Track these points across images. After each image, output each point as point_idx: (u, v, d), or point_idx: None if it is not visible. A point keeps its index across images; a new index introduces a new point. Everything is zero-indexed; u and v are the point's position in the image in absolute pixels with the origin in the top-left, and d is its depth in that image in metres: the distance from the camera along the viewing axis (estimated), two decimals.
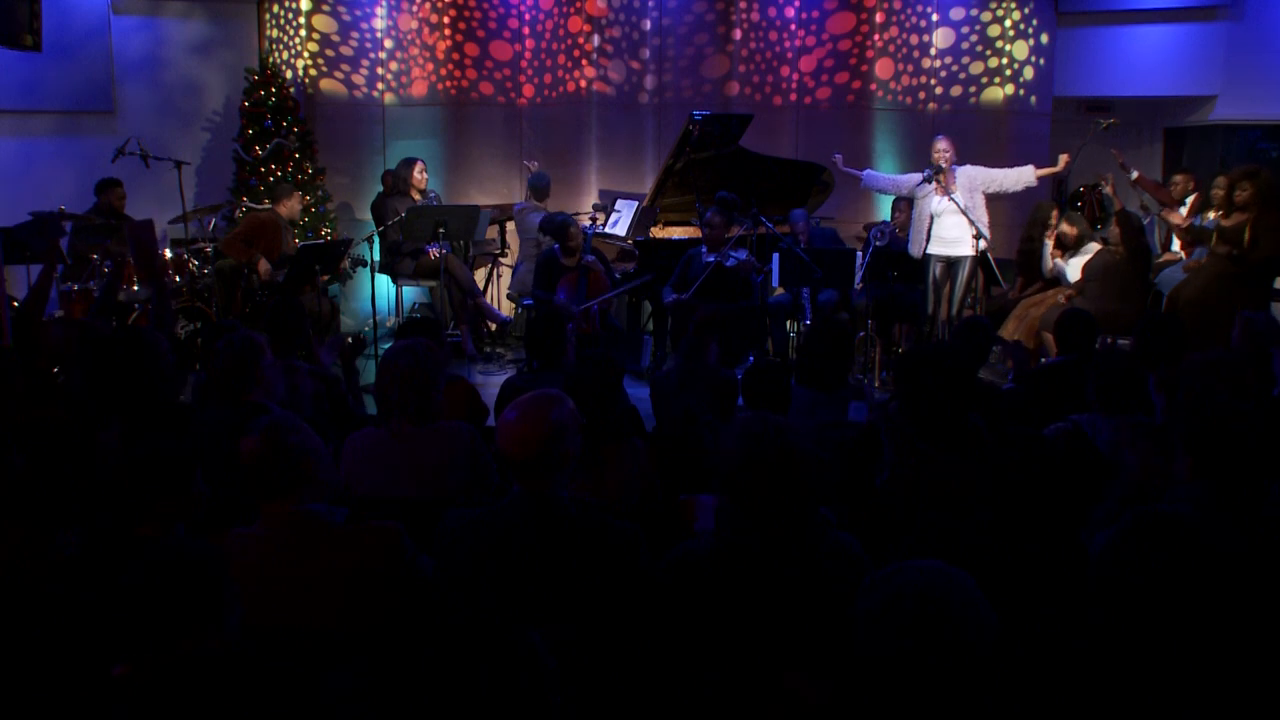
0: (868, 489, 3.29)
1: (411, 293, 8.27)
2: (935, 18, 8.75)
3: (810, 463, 2.26)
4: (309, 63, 8.64)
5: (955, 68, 8.80)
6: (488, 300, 8.16)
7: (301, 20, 8.60)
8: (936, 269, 7.09)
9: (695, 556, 2.29)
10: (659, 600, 2.30)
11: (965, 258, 6.99)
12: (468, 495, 3.22)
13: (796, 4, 8.84)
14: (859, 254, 7.04)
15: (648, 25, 8.86)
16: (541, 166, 8.68)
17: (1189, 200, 7.48)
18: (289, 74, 8.51)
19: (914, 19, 8.79)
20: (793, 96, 8.96)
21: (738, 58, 8.94)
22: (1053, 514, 2.37)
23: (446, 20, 8.80)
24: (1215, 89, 8.72)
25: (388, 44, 8.74)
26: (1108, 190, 7.13)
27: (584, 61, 8.96)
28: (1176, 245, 7.32)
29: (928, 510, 2.64)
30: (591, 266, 6.99)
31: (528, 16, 8.85)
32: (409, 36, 8.76)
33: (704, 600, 2.23)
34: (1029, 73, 8.74)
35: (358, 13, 8.66)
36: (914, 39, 8.81)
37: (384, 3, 8.68)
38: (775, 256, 6.68)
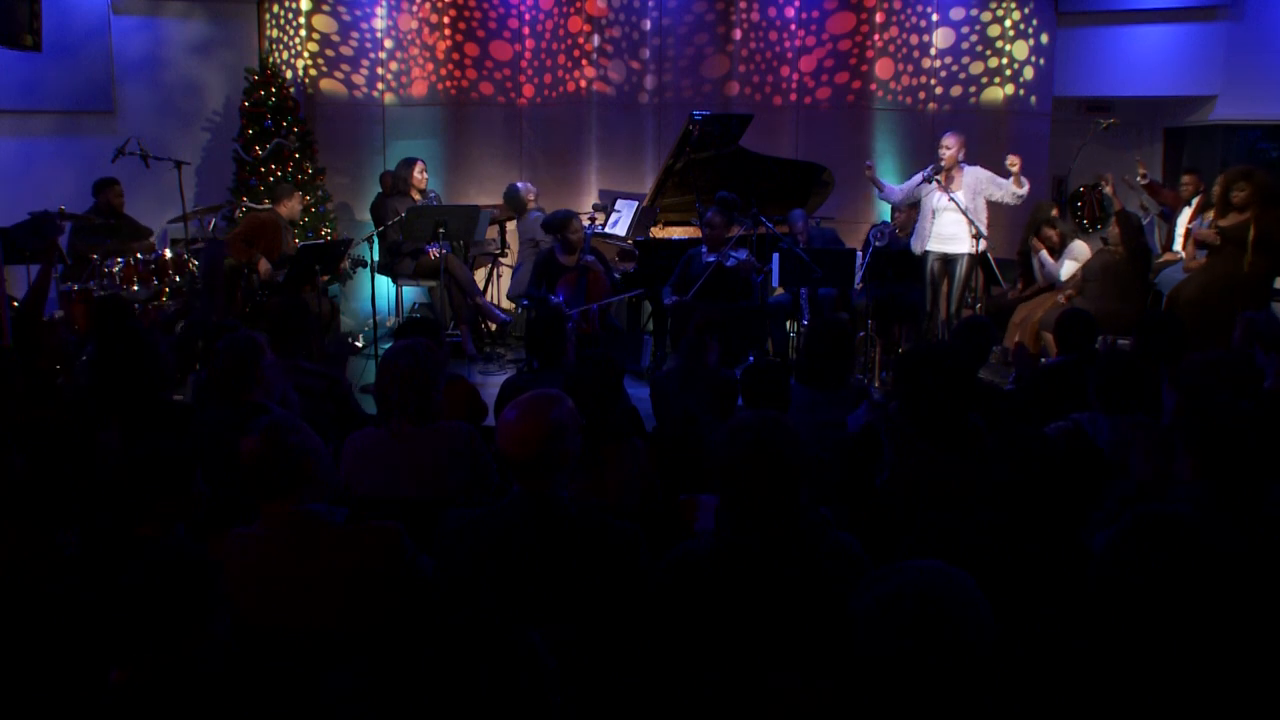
0: (868, 489, 3.29)
1: (411, 293, 8.27)
2: (935, 18, 8.74)
3: (805, 458, 2.26)
4: (309, 63, 8.64)
5: (955, 68, 8.80)
6: (488, 300, 8.16)
7: (301, 20, 8.60)
8: (934, 266, 7.10)
9: (695, 556, 2.29)
10: (659, 600, 2.30)
11: (962, 255, 6.99)
12: (468, 495, 3.22)
13: (796, 4, 8.83)
14: (859, 254, 7.04)
15: (648, 25, 8.86)
16: (542, 167, 8.69)
17: (1194, 201, 7.48)
18: (289, 74, 8.50)
19: (914, 19, 8.78)
20: (793, 96, 8.96)
21: (738, 58, 8.94)
22: (1053, 513, 2.37)
23: (446, 20, 8.80)
24: (1215, 89, 8.72)
25: (388, 44, 8.74)
26: (1108, 190, 7.13)
27: (584, 61, 8.96)
28: (1179, 244, 7.32)
29: (928, 510, 2.64)
30: (591, 266, 6.98)
31: (528, 16, 8.85)
32: (409, 36, 8.76)
33: (703, 600, 2.23)
34: (1029, 73, 8.73)
35: (358, 13, 8.66)
36: (914, 39, 8.81)
37: (384, 3, 8.68)
38: (775, 256, 6.68)
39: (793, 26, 8.87)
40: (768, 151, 7.98)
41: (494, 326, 8.00)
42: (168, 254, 7.04)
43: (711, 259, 6.71)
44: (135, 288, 6.71)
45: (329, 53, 8.67)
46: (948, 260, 7.08)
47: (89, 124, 8.21)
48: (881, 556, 2.27)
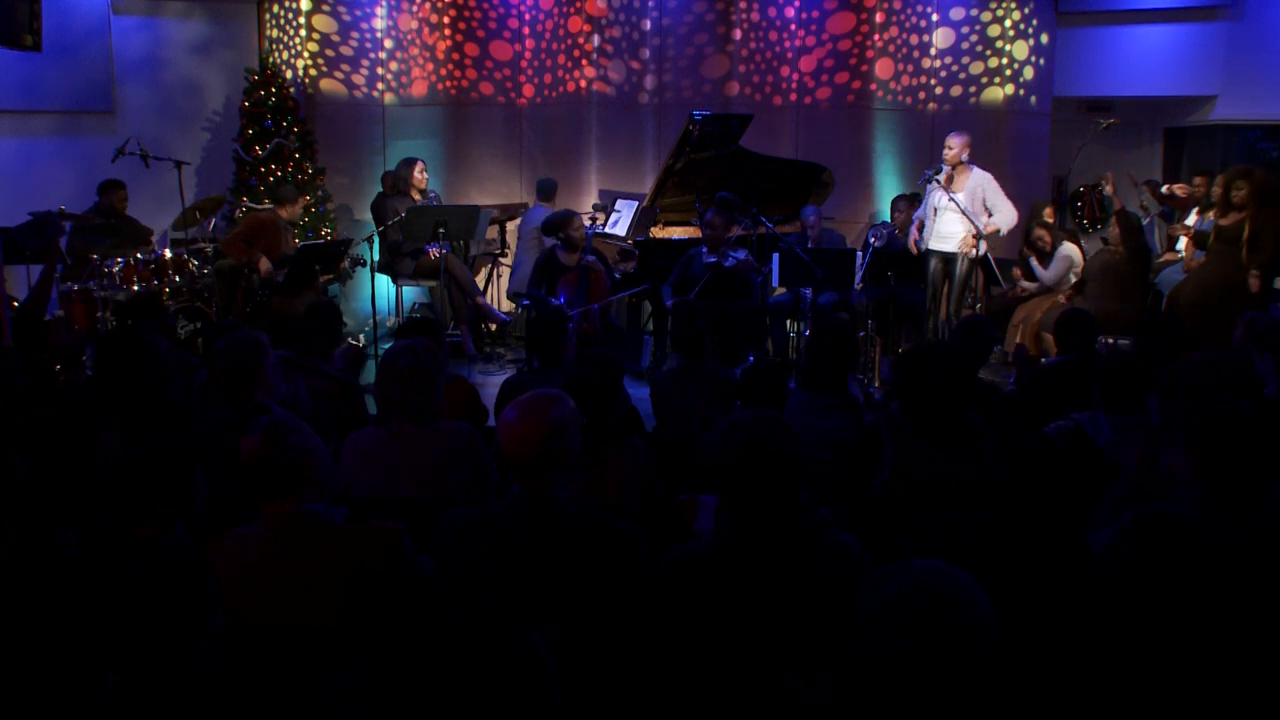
0: (868, 489, 3.29)
1: (411, 293, 8.27)
2: (935, 18, 8.74)
3: (803, 456, 2.26)
4: (309, 63, 8.64)
5: (955, 68, 8.80)
6: (488, 300, 8.16)
7: (301, 20, 8.60)
8: (935, 265, 7.15)
9: (695, 557, 2.29)
10: (659, 600, 2.30)
11: (961, 255, 7.02)
12: (468, 495, 3.22)
13: (796, 4, 8.83)
14: (859, 254, 7.05)
15: (648, 25, 8.86)
16: (542, 166, 8.69)
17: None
18: (289, 74, 8.50)
19: (914, 19, 8.78)
20: (793, 96, 8.96)
21: (738, 58, 8.94)
22: (1053, 513, 2.37)
23: (446, 20, 8.80)
24: (1215, 89, 8.72)
25: (388, 44, 8.74)
26: (1109, 190, 7.13)
27: (584, 61, 8.96)
28: (1182, 244, 7.32)
29: (928, 510, 2.64)
30: (592, 266, 6.98)
31: (528, 16, 8.85)
32: (409, 36, 8.75)
33: (704, 600, 2.23)
34: (1029, 73, 8.73)
35: (358, 13, 8.66)
36: (914, 39, 8.81)
37: (384, 3, 8.68)
38: (775, 256, 6.68)
39: (793, 26, 8.86)
40: (768, 151, 7.98)
41: (494, 326, 8.00)
42: (168, 254, 7.04)
43: (711, 259, 6.71)
44: (135, 288, 6.71)
45: (329, 53, 8.67)
46: (947, 259, 7.11)
47: (89, 124, 8.22)
48: (881, 556, 2.27)
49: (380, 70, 8.74)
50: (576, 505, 2.48)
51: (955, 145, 7.06)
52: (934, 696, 1.60)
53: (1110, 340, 6.56)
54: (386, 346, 4.11)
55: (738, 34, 8.89)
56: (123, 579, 1.85)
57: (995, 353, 7.10)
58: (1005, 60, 8.73)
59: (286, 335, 4.40)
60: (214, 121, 8.69)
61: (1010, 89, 8.76)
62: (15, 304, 6.28)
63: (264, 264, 7.03)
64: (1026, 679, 1.96)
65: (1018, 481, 2.40)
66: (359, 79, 8.73)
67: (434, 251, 7.34)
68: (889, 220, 8.13)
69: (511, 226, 8.68)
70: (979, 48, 8.75)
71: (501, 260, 8.69)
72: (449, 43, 8.84)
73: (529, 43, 8.89)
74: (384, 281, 7.89)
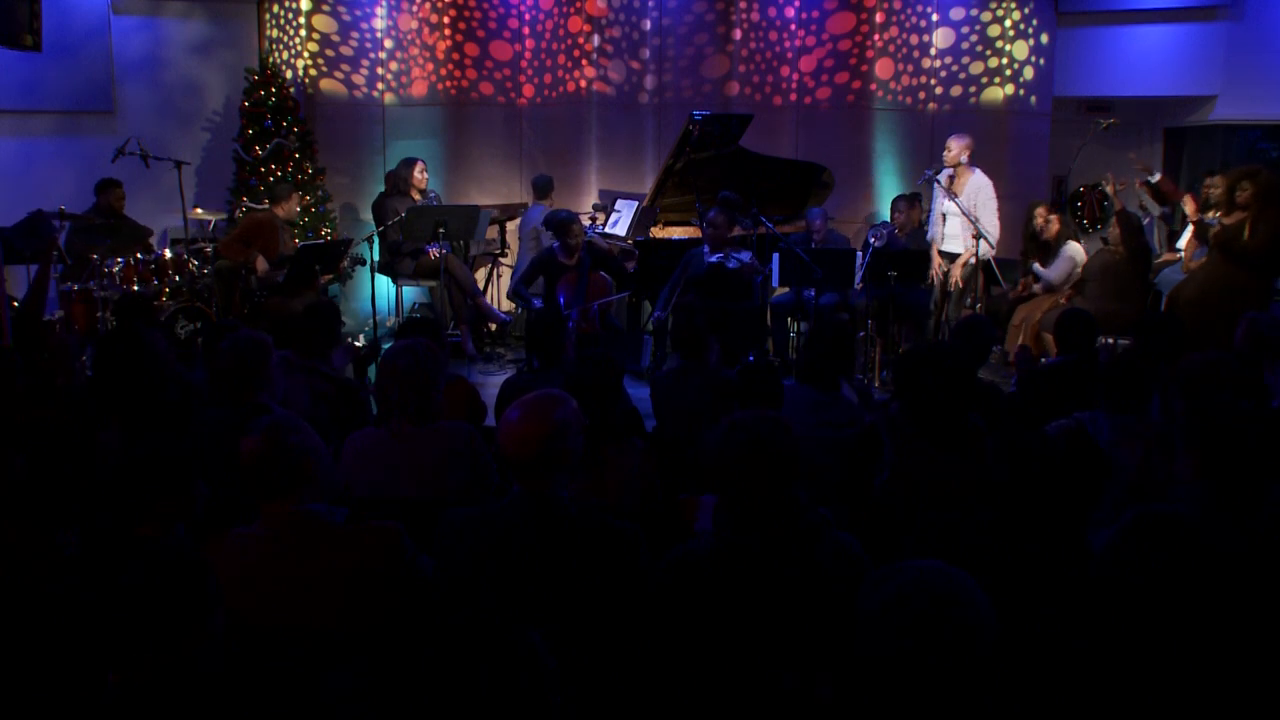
0: (868, 489, 3.29)
1: (411, 293, 8.27)
2: (935, 18, 8.74)
3: (800, 455, 2.26)
4: (309, 63, 8.64)
5: (955, 68, 8.80)
6: (488, 300, 8.16)
7: (301, 20, 8.60)
8: (942, 266, 7.23)
9: (695, 557, 2.29)
10: (659, 600, 2.30)
11: (963, 256, 7.08)
12: (467, 495, 3.22)
13: (796, 4, 8.83)
14: (859, 254, 7.06)
15: (648, 25, 8.86)
16: (542, 166, 8.68)
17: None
18: (289, 74, 8.50)
19: (914, 19, 8.78)
20: (793, 96, 8.96)
21: (738, 58, 8.94)
22: (1053, 513, 2.37)
23: (446, 20, 8.80)
24: (1215, 89, 8.72)
25: (388, 44, 8.74)
26: (1109, 190, 7.13)
27: (584, 61, 8.96)
28: (1182, 243, 7.32)
29: (928, 510, 2.64)
30: (595, 245, 6.95)
31: (528, 16, 8.85)
32: (409, 36, 8.75)
33: (703, 600, 2.23)
34: (1029, 73, 8.74)
35: (358, 13, 8.66)
36: (914, 39, 8.81)
37: (384, 3, 8.68)
38: (775, 256, 6.68)
39: (793, 26, 8.86)
40: (768, 151, 7.98)
41: (494, 326, 8.00)
42: (167, 254, 7.03)
43: (714, 259, 6.71)
44: (135, 288, 6.71)
45: (329, 53, 8.67)
46: (952, 260, 7.20)
47: (89, 124, 8.22)
48: (881, 556, 2.27)
49: (380, 70, 8.74)
50: (576, 505, 2.48)
51: (955, 148, 7.10)
52: (934, 696, 1.60)
53: (1110, 340, 6.55)
54: (387, 347, 4.11)
55: (738, 34, 8.89)
56: (123, 579, 1.84)
57: (995, 353, 7.10)
58: (1005, 60, 8.74)
59: (286, 336, 4.40)
60: (214, 121, 8.69)
61: (1010, 89, 8.76)
62: (15, 304, 6.29)
63: (260, 264, 7.02)
64: (1026, 679, 1.96)
65: (1018, 481, 2.40)
66: (359, 79, 8.73)
67: (434, 251, 7.33)
68: (889, 220, 8.13)
69: (511, 226, 8.68)
70: (979, 48, 8.75)
71: (501, 260, 8.69)
72: (449, 43, 8.84)
73: (529, 43, 8.88)
74: (384, 281, 7.89)
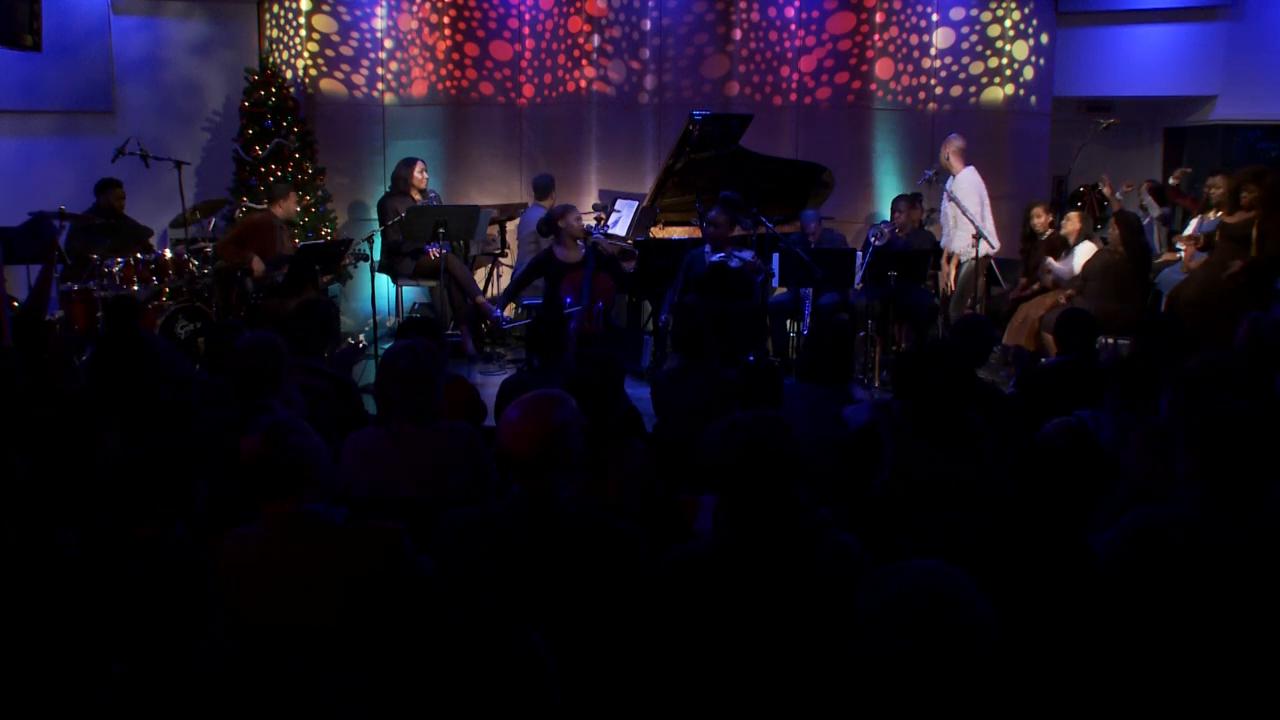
0: (868, 489, 3.29)
1: (411, 293, 8.26)
2: (935, 18, 8.74)
3: (800, 454, 2.27)
4: (309, 63, 8.64)
5: (955, 68, 8.80)
6: (488, 300, 8.15)
7: (301, 20, 8.59)
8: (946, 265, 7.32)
9: (695, 557, 2.29)
10: (659, 601, 2.30)
11: (965, 255, 7.11)
12: (467, 495, 3.22)
13: (796, 4, 8.83)
14: (859, 254, 7.06)
15: (648, 25, 8.86)
16: (542, 166, 8.68)
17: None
18: (289, 74, 8.50)
19: (914, 19, 8.78)
20: (793, 96, 8.96)
21: (738, 58, 8.94)
22: (1053, 513, 2.37)
23: (446, 20, 8.80)
24: (1215, 89, 8.72)
25: (388, 44, 8.74)
26: (1105, 190, 7.12)
27: (584, 61, 8.96)
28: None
29: (928, 510, 2.64)
30: (600, 244, 6.94)
31: (528, 16, 8.85)
32: (409, 36, 8.75)
33: (703, 600, 2.23)
34: (1029, 73, 8.74)
35: (358, 13, 8.66)
36: (914, 39, 8.81)
37: (384, 3, 8.68)
38: (775, 256, 6.68)
39: (793, 26, 8.86)
40: (768, 151, 7.98)
41: (489, 323, 7.99)
42: (168, 254, 7.03)
43: (716, 258, 6.71)
44: (135, 288, 6.71)
45: (329, 53, 8.67)
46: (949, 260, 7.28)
47: (89, 124, 8.21)
48: (881, 556, 2.27)
49: (380, 70, 8.74)
50: (576, 505, 2.48)
51: (945, 148, 7.27)
52: (934, 696, 1.60)
53: (1110, 340, 6.55)
54: (387, 346, 4.11)
55: (738, 34, 8.89)
56: (123, 578, 1.85)
57: (995, 353, 7.10)
58: (1005, 60, 8.74)
59: (284, 335, 4.40)
60: (214, 121, 8.69)
61: (1010, 89, 8.76)
62: (15, 304, 6.29)
63: (256, 264, 6.99)
64: (1027, 679, 1.96)
65: (1018, 480, 2.40)
66: (359, 79, 8.73)
67: (434, 251, 7.33)
68: (889, 219, 8.14)
69: (511, 226, 8.68)
70: (979, 48, 8.75)
71: (501, 260, 8.68)
72: (449, 43, 8.83)
73: (529, 43, 8.88)
74: (384, 281, 7.89)
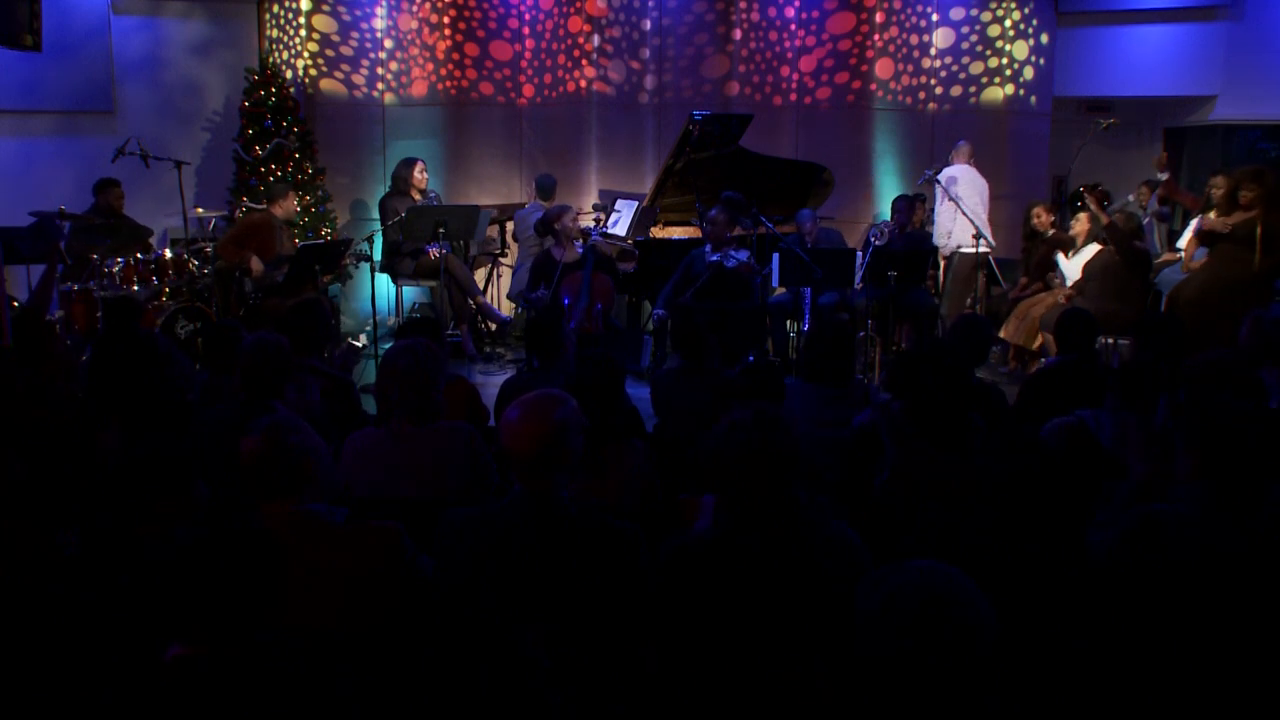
0: (868, 489, 3.29)
1: (411, 293, 8.27)
2: (935, 18, 8.75)
3: (798, 449, 2.27)
4: (309, 63, 8.64)
5: (955, 68, 8.80)
6: (488, 300, 8.16)
7: (301, 20, 8.60)
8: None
9: (694, 548, 2.30)
10: (658, 590, 2.31)
11: (965, 254, 7.14)
12: (467, 495, 3.22)
13: (796, 4, 8.83)
14: (859, 254, 7.06)
15: (648, 25, 8.86)
16: (542, 166, 8.68)
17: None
18: (289, 74, 8.50)
19: (914, 19, 8.79)
20: (793, 96, 8.96)
21: (738, 58, 8.94)
22: (1053, 513, 2.37)
23: (446, 20, 8.80)
24: (1215, 89, 8.73)
25: (388, 44, 8.74)
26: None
27: (584, 61, 8.96)
28: (1182, 243, 7.31)
29: (928, 510, 2.64)
30: (599, 246, 6.94)
31: (528, 16, 8.85)
32: (409, 36, 8.76)
33: (701, 592, 2.23)
34: (1029, 73, 8.74)
35: (358, 13, 8.66)
36: (914, 39, 8.82)
37: (384, 3, 8.68)
38: (775, 256, 6.68)
39: (793, 26, 8.87)
40: (768, 151, 7.98)
41: (494, 326, 8.00)
42: (168, 254, 7.03)
43: (714, 258, 6.71)
44: (135, 288, 6.70)
45: (329, 53, 8.67)
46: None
47: (89, 124, 8.22)
48: (881, 556, 2.27)
49: (380, 70, 8.74)
50: (576, 505, 2.48)
51: (953, 159, 7.38)
52: (934, 696, 1.60)
53: (1110, 340, 6.55)
54: (387, 347, 4.11)
55: (738, 34, 8.89)
56: (191, 554, 1.85)
57: (995, 352, 7.11)
58: (1005, 60, 8.74)
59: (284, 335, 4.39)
60: (214, 121, 8.69)
61: (1010, 89, 8.77)
62: (15, 304, 6.29)
63: (255, 264, 6.98)
64: (1026, 679, 1.96)
65: (1018, 479, 2.40)
66: (359, 79, 8.73)
67: (434, 251, 7.33)
68: (889, 219, 8.14)
69: (511, 226, 8.68)
70: (979, 48, 8.76)
71: (501, 260, 8.69)
72: (449, 43, 8.84)
73: (529, 43, 8.89)
74: (384, 281, 7.89)
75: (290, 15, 8.64)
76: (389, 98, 8.79)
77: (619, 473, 3.25)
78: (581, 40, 8.92)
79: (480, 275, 8.50)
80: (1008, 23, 8.71)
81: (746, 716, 2.06)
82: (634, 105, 8.98)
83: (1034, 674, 1.99)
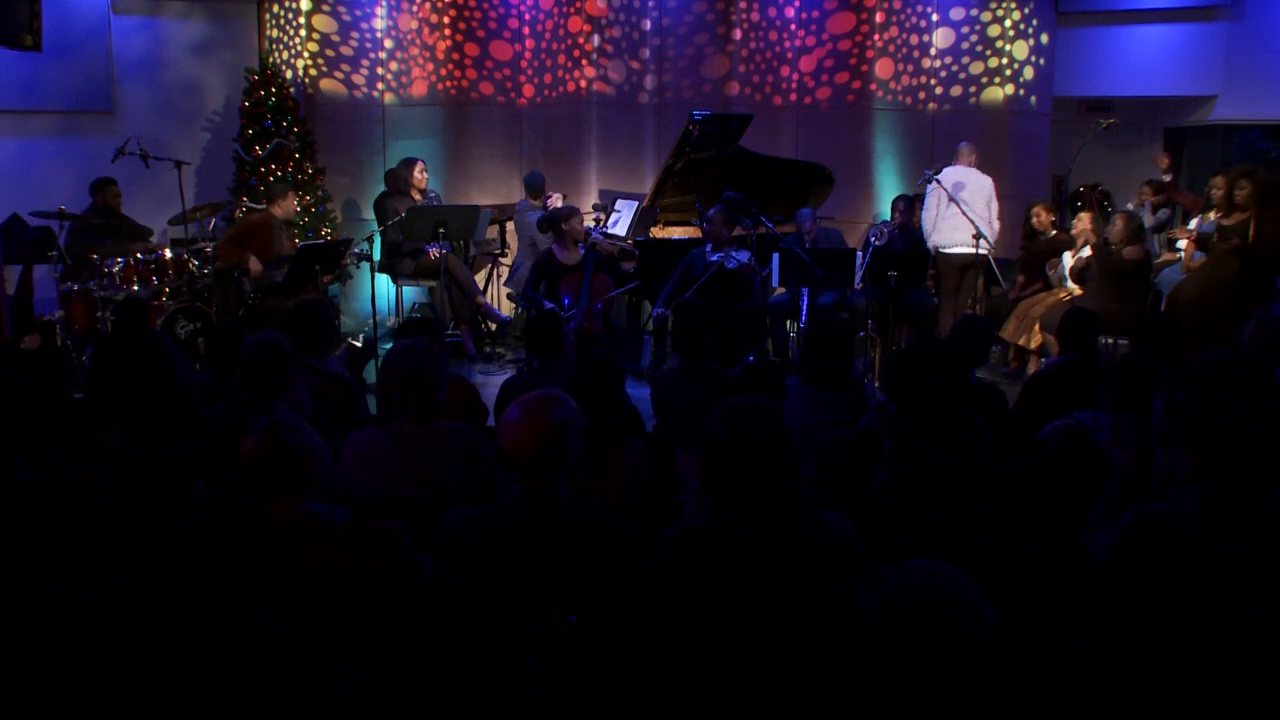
0: (868, 489, 3.29)
1: (411, 293, 8.27)
2: (935, 18, 8.75)
3: (790, 435, 2.29)
4: (309, 63, 8.64)
5: (955, 68, 8.80)
6: (488, 300, 8.16)
7: (301, 20, 8.60)
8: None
9: (688, 535, 2.33)
10: (661, 576, 2.32)
11: (946, 254, 7.17)
12: (469, 497, 3.22)
13: (796, 4, 8.83)
14: (859, 254, 7.06)
15: (648, 25, 8.86)
16: (541, 167, 8.68)
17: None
18: (289, 74, 8.50)
19: (914, 19, 8.79)
20: (793, 96, 8.96)
21: (738, 58, 8.94)
22: (1053, 513, 2.37)
23: (446, 20, 8.80)
24: (1215, 89, 8.72)
25: (388, 44, 8.74)
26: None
27: (584, 61, 8.96)
28: (1182, 244, 7.32)
29: (928, 510, 2.64)
30: (600, 245, 6.93)
31: (528, 16, 8.85)
32: (409, 36, 8.76)
33: (698, 579, 2.25)
34: (1029, 73, 8.74)
35: (358, 13, 8.66)
36: (914, 39, 8.82)
37: (384, 3, 8.68)
38: (775, 256, 6.68)
39: (793, 26, 8.87)
40: (768, 151, 7.98)
41: (494, 326, 8.00)
42: (168, 254, 7.03)
43: (715, 258, 6.71)
44: (135, 288, 6.70)
45: (329, 53, 8.68)
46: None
47: (89, 124, 8.22)
48: (881, 556, 2.27)
49: (380, 70, 8.74)
50: (576, 505, 2.48)
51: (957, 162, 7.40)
52: (934, 696, 1.60)
53: (1110, 340, 6.55)
54: (387, 347, 4.11)
55: (738, 34, 8.89)
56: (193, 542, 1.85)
57: (995, 352, 7.10)
58: (1005, 60, 8.74)
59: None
60: (214, 121, 8.69)
61: (1010, 89, 8.76)
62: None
63: (254, 264, 6.98)
64: (1026, 679, 1.96)
65: (1017, 480, 2.40)
66: (359, 79, 8.73)
67: (434, 251, 7.33)
68: (889, 219, 8.14)
69: (511, 226, 8.68)
70: (979, 48, 8.76)
71: (501, 260, 8.69)
72: (449, 43, 8.84)
73: (529, 43, 8.89)
74: (384, 281, 7.89)
75: (290, 15, 8.64)
76: (389, 98, 8.79)
77: (619, 473, 3.25)
78: (581, 40, 8.92)
79: (480, 275, 8.50)
80: (1008, 23, 8.71)
81: (746, 714, 2.06)
82: (634, 105, 8.98)
83: (1034, 674, 1.99)
